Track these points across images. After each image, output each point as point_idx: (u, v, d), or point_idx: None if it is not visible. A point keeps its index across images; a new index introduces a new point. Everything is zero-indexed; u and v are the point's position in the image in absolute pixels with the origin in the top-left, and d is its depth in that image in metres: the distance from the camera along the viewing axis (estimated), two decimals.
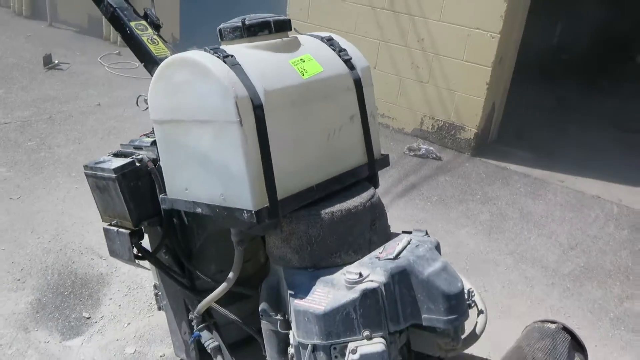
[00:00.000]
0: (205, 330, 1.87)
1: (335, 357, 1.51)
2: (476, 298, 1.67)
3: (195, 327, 1.88)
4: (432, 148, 5.10)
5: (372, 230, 1.67)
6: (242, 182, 1.49)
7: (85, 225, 3.54)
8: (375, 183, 1.83)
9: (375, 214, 1.70)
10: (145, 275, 3.06)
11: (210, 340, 1.85)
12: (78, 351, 2.63)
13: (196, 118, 1.56)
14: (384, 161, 1.86)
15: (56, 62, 6.31)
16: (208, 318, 1.90)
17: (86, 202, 3.79)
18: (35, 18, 8.05)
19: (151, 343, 2.70)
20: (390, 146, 5.09)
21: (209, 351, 1.85)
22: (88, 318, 2.84)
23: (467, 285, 1.60)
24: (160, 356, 2.64)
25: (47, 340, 2.67)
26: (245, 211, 1.50)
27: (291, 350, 1.64)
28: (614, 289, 3.51)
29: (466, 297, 1.56)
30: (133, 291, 3.04)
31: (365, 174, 1.80)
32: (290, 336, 1.64)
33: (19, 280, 3.03)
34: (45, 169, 4.17)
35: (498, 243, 3.85)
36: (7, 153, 4.30)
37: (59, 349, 2.63)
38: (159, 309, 2.10)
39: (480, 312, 1.70)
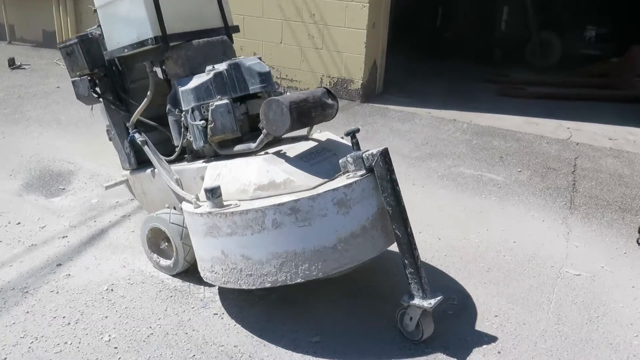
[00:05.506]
0: (136, 133, 3.13)
1: (203, 112, 2.81)
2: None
3: (130, 132, 3.14)
4: None
5: (224, 55, 3.02)
6: (146, 23, 2.80)
7: (56, 149, 4.75)
8: (230, 38, 3.17)
9: (226, 47, 3.05)
10: (101, 170, 4.31)
11: (140, 137, 3.11)
12: (58, 203, 3.85)
13: None
14: (235, 28, 3.21)
15: (19, 63, 7.52)
16: (139, 127, 3.17)
17: (54, 138, 5.04)
18: None
19: (108, 197, 3.93)
20: None
21: (139, 143, 3.09)
22: (63, 189, 4.06)
23: None
24: (115, 202, 3.87)
25: (36, 199, 3.89)
26: (150, 39, 2.81)
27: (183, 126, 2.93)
28: (446, 162, 4.91)
29: None
30: (94, 177, 4.27)
31: (223, 33, 3.14)
32: (182, 119, 2.92)
33: (11, 175, 4.23)
34: (20, 123, 5.37)
35: (367, 143, 5.20)
36: None
37: (44, 203, 3.85)
38: (110, 139, 3.35)
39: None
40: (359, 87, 6.53)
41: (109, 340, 2.54)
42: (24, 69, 7.44)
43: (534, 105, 6.80)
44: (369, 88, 6.66)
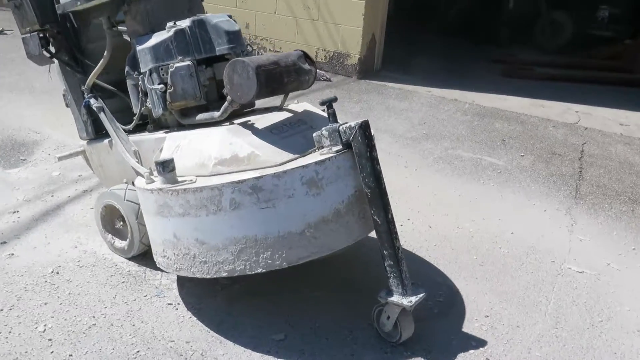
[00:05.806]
0: (92, 98, 2.79)
1: (162, 75, 2.47)
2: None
3: (85, 97, 2.80)
4: (322, 72, 6.13)
5: (189, 10, 2.66)
6: None
7: (24, 117, 4.42)
8: None
9: (192, 2, 2.69)
10: (69, 142, 3.97)
11: (96, 103, 2.77)
12: (16, 174, 3.53)
13: None
14: None
15: (1, 29, 7.17)
16: (95, 92, 2.82)
17: (25, 105, 4.70)
18: None
19: (71, 171, 3.60)
20: None
21: (95, 110, 2.75)
22: (24, 160, 3.73)
23: None
24: (78, 176, 3.54)
25: None
26: None
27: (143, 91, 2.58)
28: (444, 143, 4.55)
29: None
30: (60, 148, 3.94)
31: None
32: (140, 83, 2.58)
33: None
34: None
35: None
36: None
37: (1, 175, 3.52)
38: (67, 105, 3.01)
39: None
40: (356, 62, 6.16)
41: (44, 330, 2.23)
42: (6, 34, 7.10)
43: (541, 86, 6.42)
44: (367, 64, 6.29)
